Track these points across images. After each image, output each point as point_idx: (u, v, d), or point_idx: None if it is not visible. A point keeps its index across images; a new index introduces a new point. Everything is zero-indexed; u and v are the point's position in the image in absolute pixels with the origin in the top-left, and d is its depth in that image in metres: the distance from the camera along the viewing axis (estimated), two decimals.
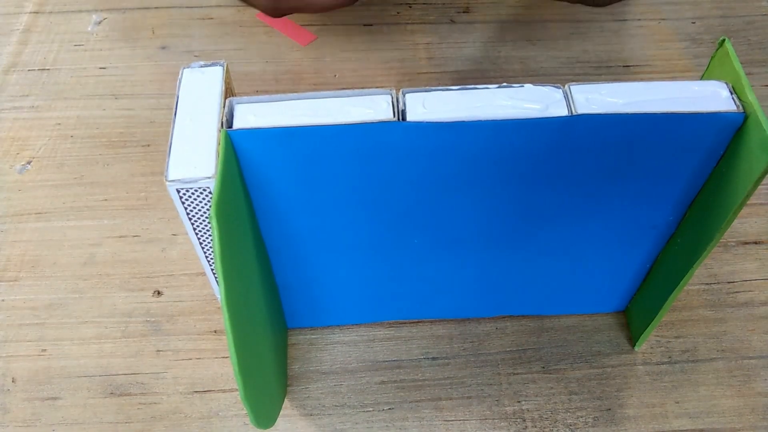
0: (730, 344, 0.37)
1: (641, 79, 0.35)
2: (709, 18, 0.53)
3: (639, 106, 0.26)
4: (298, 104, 0.26)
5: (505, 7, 0.54)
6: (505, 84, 0.27)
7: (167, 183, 0.25)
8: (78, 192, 0.43)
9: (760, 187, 0.44)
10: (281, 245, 0.31)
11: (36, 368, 0.36)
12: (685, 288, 0.35)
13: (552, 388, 0.36)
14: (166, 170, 0.26)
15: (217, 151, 0.26)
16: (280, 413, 0.35)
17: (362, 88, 0.42)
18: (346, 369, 0.36)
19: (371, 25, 0.53)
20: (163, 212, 0.42)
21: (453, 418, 0.35)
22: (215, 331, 0.38)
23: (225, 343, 0.37)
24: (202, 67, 0.28)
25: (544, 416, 0.35)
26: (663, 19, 0.53)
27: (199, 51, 0.51)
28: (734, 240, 0.41)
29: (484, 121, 0.25)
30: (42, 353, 0.37)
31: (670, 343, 0.37)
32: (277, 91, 0.48)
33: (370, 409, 0.35)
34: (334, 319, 0.37)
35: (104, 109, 0.47)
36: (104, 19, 0.53)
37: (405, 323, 0.38)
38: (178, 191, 0.26)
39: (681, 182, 0.29)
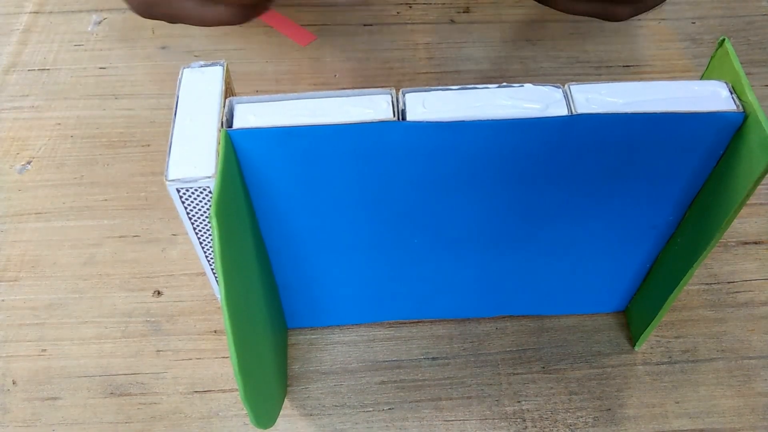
0: (730, 344, 0.37)
1: (641, 79, 0.35)
2: (709, 18, 0.53)
3: (639, 105, 0.26)
4: (298, 104, 0.26)
5: (505, 7, 0.54)
6: (505, 84, 0.27)
7: (167, 183, 0.25)
8: (78, 192, 0.43)
9: (760, 187, 0.44)
10: (281, 245, 0.31)
11: (36, 368, 0.36)
12: (685, 288, 0.35)
13: (552, 388, 0.36)
14: (166, 170, 0.26)
15: (217, 151, 0.26)
16: (280, 413, 0.35)
17: (362, 88, 0.42)
18: (346, 369, 0.36)
19: (371, 25, 0.53)
20: (163, 212, 0.42)
21: (453, 418, 0.35)
22: (215, 331, 0.38)
23: (225, 343, 0.37)
24: (202, 67, 0.28)
25: (544, 416, 0.35)
26: (663, 19, 0.53)
27: (199, 51, 0.51)
28: (734, 240, 0.41)
29: (484, 120, 0.25)
30: (42, 353, 0.37)
31: (670, 343, 0.37)
32: (277, 91, 0.48)
33: (370, 409, 0.35)
34: (334, 319, 0.37)
35: (104, 109, 0.47)
36: (104, 19, 0.53)
37: (405, 323, 0.38)
38: (178, 191, 0.26)
39: (681, 182, 0.29)
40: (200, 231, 0.28)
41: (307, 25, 0.52)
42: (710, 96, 0.26)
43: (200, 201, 0.26)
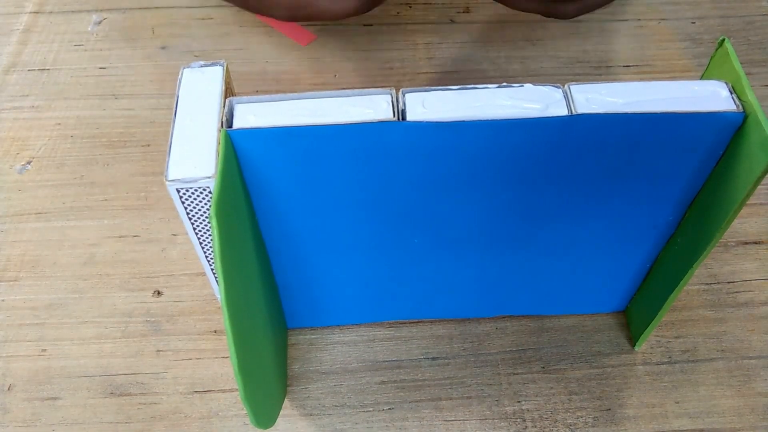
0: (730, 344, 0.37)
1: (641, 79, 0.35)
2: (709, 18, 0.53)
3: (639, 105, 0.26)
4: (298, 104, 0.26)
5: (504, 7, 0.54)
6: (505, 84, 0.27)
7: (167, 183, 0.25)
8: (78, 192, 0.43)
9: (760, 187, 0.44)
10: (281, 245, 0.31)
11: (36, 368, 0.36)
12: (685, 288, 0.35)
13: (552, 388, 0.36)
14: (166, 170, 0.26)
15: (217, 151, 0.26)
16: (280, 413, 0.35)
17: (362, 88, 0.42)
18: (346, 369, 0.36)
19: (371, 25, 0.53)
20: (163, 212, 0.42)
21: (453, 418, 0.35)
22: (215, 331, 0.38)
23: (225, 343, 0.37)
24: (202, 67, 0.28)
25: (544, 416, 0.35)
26: (663, 19, 0.53)
27: (199, 51, 0.51)
28: (734, 240, 0.41)
29: (484, 120, 0.25)
30: (42, 353, 0.37)
31: (670, 343, 0.37)
32: (277, 91, 0.48)
33: (370, 409, 0.35)
34: (334, 319, 0.37)
35: (104, 109, 0.47)
36: (104, 19, 0.53)
37: (405, 323, 0.38)
38: (178, 191, 0.26)
39: (681, 182, 0.29)
40: (200, 231, 0.28)
41: (307, 25, 0.52)
42: (710, 96, 0.26)
43: (200, 201, 0.26)
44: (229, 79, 0.29)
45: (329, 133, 0.26)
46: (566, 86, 0.27)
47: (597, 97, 0.26)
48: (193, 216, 0.27)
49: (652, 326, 0.34)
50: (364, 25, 0.53)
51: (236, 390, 0.36)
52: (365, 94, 0.26)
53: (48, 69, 0.50)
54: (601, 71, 0.50)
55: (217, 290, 0.32)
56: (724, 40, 0.27)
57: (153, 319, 0.38)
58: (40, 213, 0.42)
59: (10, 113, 0.47)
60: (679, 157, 0.27)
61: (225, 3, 0.54)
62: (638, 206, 0.30)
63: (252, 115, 0.26)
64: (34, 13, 0.53)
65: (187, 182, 0.25)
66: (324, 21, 0.45)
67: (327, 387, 0.36)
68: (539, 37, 0.52)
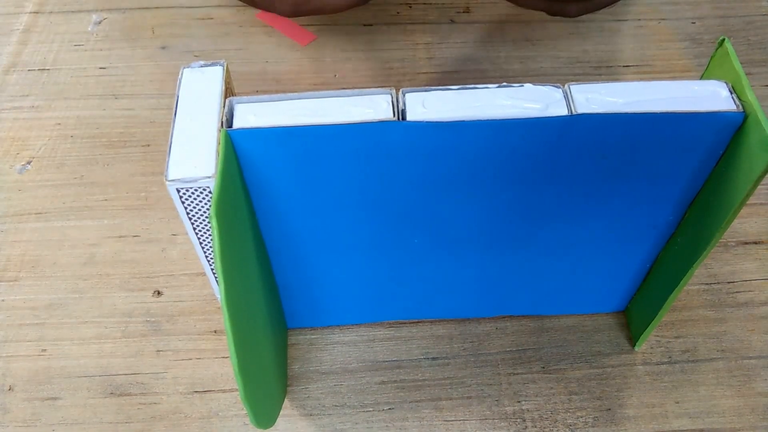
0: (730, 344, 0.37)
1: (641, 79, 0.35)
2: (709, 18, 0.53)
3: (639, 105, 0.26)
4: (298, 104, 0.26)
5: (505, 7, 0.54)
6: (505, 84, 0.27)
7: (167, 183, 0.25)
8: (78, 192, 0.43)
9: (760, 187, 0.44)
10: (281, 245, 0.31)
11: (36, 368, 0.36)
12: (685, 288, 0.35)
13: (552, 388, 0.36)
14: (166, 170, 0.26)
15: (217, 151, 0.26)
16: (280, 413, 0.35)
17: (362, 88, 0.42)
18: (346, 369, 0.36)
19: (371, 25, 0.53)
20: (163, 212, 0.42)
21: (453, 418, 0.35)
22: (215, 331, 0.38)
23: (225, 343, 0.37)
24: (202, 67, 0.28)
25: (544, 416, 0.35)
26: (663, 19, 0.53)
27: (199, 51, 0.51)
28: (734, 240, 0.41)
29: (484, 120, 0.25)
30: (42, 353, 0.37)
31: (670, 343, 0.37)
32: (277, 91, 0.48)
33: (370, 409, 0.35)
34: (334, 319, 0.37)
35: (104, 109, 0.47)
36: (104, 19, 0.53)
37: (405, 323, 0.38)
38: (178, 191, 0.26)
39: (681, 182, 0.29)
40: (200, 231, 0.28)
41: (307, 25, 0.52)
42: (710, 96, 0.26)
43: (200, 201, 0.26)
44: (229, 79, 0.29)
45: (329, 133, 0.26)
46: (566, 86, 0.27)
47: (597, 97, 0.26)
48: (193, 216, 0.27)
49: (652, 326, 0.34)
50: (364, 25, 0.53)
51: (236, 390, 0.36)
52: (365, 94, 0.26)
53: (48, 69, 0.50)
54: (601, 71, 0.50)
55: (217, 290, 0.32)
56: (724, 40, 0.27)
57: (153, 319, 0.38)
58: (40, 213, 0.42)
59: (10, 113, 0.47)
60: (679, 157, 0.27)
61: (228, 2, 0.54)
62: (638, 206, 0.30)
63: (252, 115, 0.26)
64: (34, 13, 0.53)
65: (187, 182, 0.25)
66: (327, 14, 0.45)
67: (327, 387, 0.36)
68: (539, 37, 0.52)
